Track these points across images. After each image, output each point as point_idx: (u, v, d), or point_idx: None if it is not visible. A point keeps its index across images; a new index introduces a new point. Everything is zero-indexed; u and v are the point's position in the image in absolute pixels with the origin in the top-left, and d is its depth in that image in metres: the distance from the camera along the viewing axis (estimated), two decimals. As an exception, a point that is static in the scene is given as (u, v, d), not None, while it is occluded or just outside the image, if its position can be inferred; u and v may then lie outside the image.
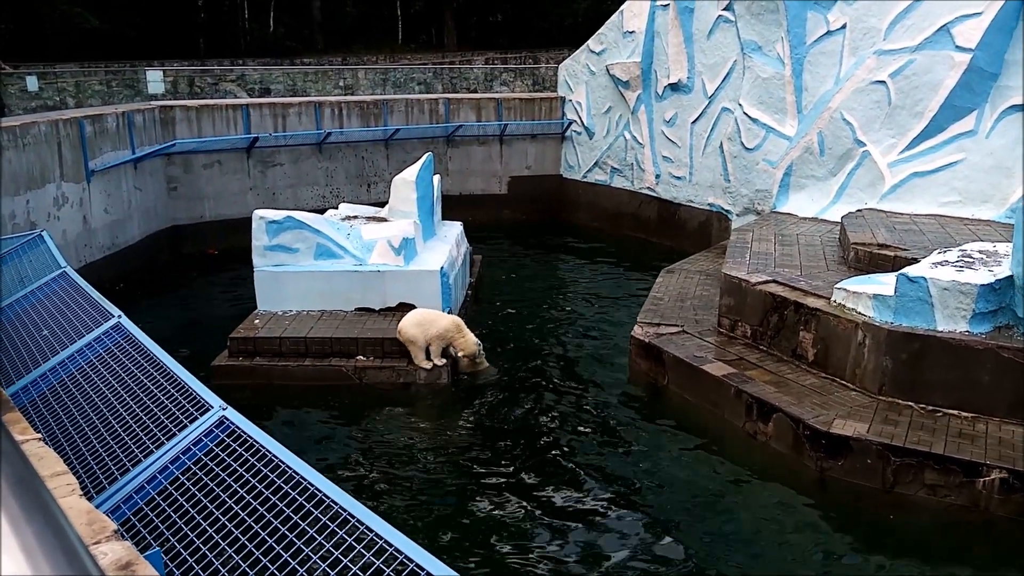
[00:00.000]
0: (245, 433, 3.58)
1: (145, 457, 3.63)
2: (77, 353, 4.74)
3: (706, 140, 14.01)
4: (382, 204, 12.07)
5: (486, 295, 12.40)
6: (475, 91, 19.74)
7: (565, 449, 7.46)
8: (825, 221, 11.25)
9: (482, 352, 8.96)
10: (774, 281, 8.26)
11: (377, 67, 22.26)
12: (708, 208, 14.26)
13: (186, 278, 13.57)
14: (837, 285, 7.49)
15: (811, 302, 7.62)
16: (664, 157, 15.17)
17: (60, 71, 18.72)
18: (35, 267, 6.73)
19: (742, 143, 12.90)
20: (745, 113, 12.75)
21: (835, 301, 7.43)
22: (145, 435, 3.80)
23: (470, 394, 8.66)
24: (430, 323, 8.57)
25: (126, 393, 4.18)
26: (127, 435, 3.83)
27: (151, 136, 14.15)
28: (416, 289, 9.50)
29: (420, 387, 8.57)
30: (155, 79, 17.41)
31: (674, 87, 14.51)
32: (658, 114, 15.10)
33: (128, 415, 3.99)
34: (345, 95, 18.30)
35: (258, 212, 9.63)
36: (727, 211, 13.68)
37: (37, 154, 11.08)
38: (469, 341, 8.73)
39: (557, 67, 18.19)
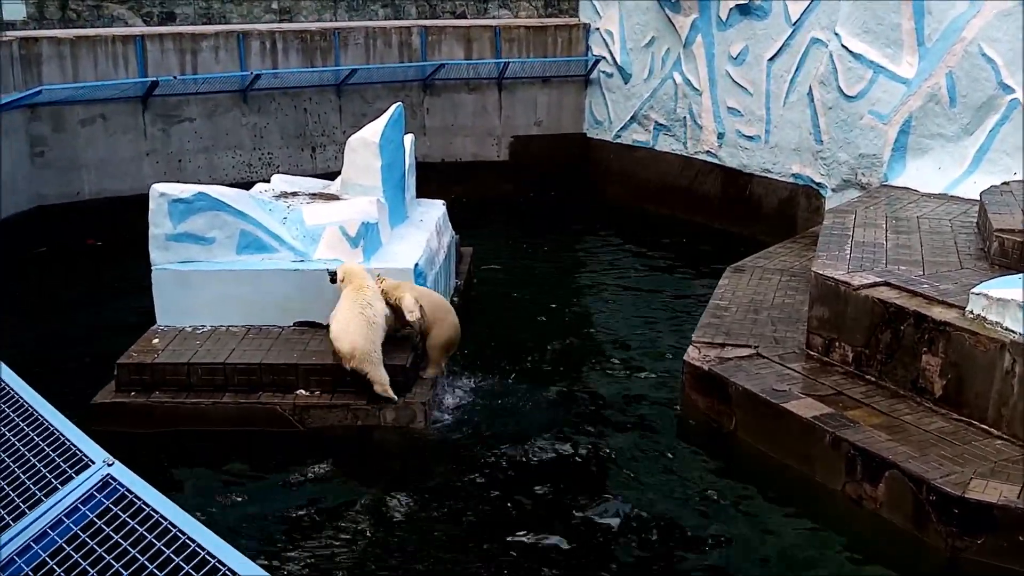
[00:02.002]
0: (139, 499, 3.57)
1: (-2, 534, 3.62)
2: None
3: (789, 85, 14.00)
4: (332, 176, 12.07)
5: (479, 301, 12.40)
6: (463, 16, 19.75)
7: (593, 525, 7.44)
8: (958, 199, 11.25)
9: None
10: (886, 284, 8.24)
11: (325, -18, 22.28)
12: (792, 181, 14.24)
13: (57, 280, 13.57)
14: (974, 290, 7.47)
15: (938, 313, 7.60)
16: (730, 109, 15.15)
17: None
18: None
19: (840, 89, 12.89)
20: (844, 46, 12.74)
21: (972, 312, 7.41)
22: (-2, 503, 3.79)
23: (457, 443, 8.65)
24: (374, 322, 8.59)
25: (-29, 443, 4.17)
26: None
27: (8, 81, 14.16)
28: (381, 295, 9.49)
29: (387, 433, 8.56)
30: (13, 0, 17.41)
31: (743, 9, 14.49)
32: (721, 48, 15.08)
33: (-26, 474, 3.98)
34: (280, 22, 18.31)
35: (158, 187, 9.62)
36: (819, 185, 13.67)
37: None
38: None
39: (579, -18, 18.25)
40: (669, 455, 8.51)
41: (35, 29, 15.95)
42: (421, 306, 8.96)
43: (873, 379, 8.15)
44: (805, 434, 7.64)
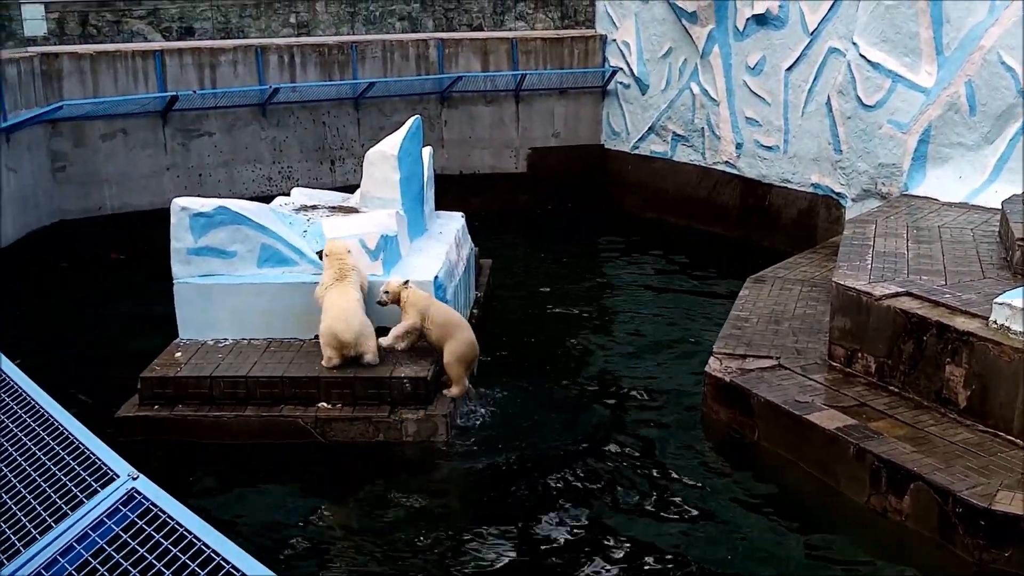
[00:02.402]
0: (164, 513, 3.59)
1: (24, 548, 3.63)
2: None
3: (807, 94, 13.97)
4: (352, 189, 12.10)
5: (498, 313, 12.40)
6: (480, 28, 19.82)
7: (616, 536, 7.43)
8: (979, 208, 11.18)
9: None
10: (908, 294, 8.20)
11: (343, -3, 22.40)
12: (811, 191, 14.18)
13: (79, 294, 13.65)
14: (998, 299, 7.43)
15: (961, 323, 7.56)
16: (748, 119, 15.12)
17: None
18: None
19: (859, 98, 12.86)
20: (862, 55, 12.71)
21: (995, 321, 7.37)
22: (24, 516, 3.81)
23: (478, 455, 8.64)
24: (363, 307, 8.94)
25: (-2, 457, 4.19)
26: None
27: (29, 96, 14.28)
28: (400, 307, 9.51)
29: (408, 447, 8.57)
30: (34, 16, 17.55)
31: (761, 20, 14.48)
32: (739, 58, 15.07)
33: None
34: (298, 36, 18.41)
35: (179, 201, 9.68)
36: (838, 195, 13.62)
37: None
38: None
39: (595, -7, 18.28)
40: (692, 466, 8.46)
41: (56, 45, 16.10)
42: (418, 311, 9.08)
43: (896, 390, 8.11)
44: (829, 445, 7.61)
